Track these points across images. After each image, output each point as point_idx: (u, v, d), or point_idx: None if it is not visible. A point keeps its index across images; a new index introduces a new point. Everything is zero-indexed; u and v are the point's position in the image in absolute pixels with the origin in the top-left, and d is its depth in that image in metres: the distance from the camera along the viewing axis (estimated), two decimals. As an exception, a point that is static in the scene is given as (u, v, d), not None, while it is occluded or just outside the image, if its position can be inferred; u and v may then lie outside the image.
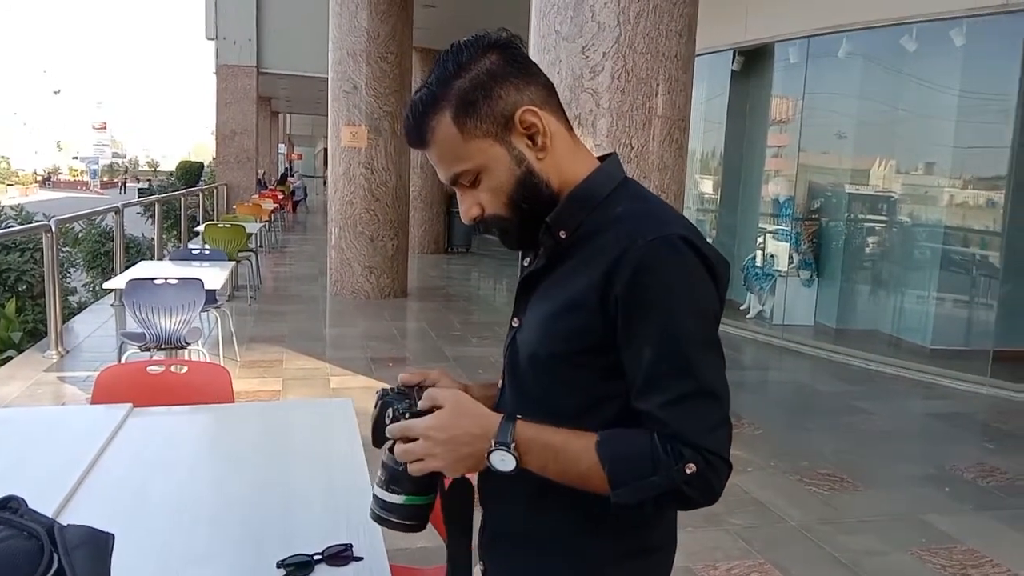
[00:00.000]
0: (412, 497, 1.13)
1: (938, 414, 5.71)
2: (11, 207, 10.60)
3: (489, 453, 1.06)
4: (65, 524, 1.00)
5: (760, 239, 8.50)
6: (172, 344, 4.69)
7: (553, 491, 1.10)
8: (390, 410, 1.14)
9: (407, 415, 1.12)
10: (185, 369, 2.77)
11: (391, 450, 1.12)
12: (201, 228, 10.31)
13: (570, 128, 1.19)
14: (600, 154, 1.22)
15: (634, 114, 4.02)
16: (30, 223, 8.48)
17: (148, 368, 2.74)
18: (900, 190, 7.42)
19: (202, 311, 4.96)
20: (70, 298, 8.77)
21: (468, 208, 1.17)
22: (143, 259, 11.06)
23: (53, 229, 6.21)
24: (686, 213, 7.08)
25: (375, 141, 9.12)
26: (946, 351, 6.84)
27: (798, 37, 7.59)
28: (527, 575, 1.21)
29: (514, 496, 1.19)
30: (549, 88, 1.17)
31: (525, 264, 1.24)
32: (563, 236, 1.15)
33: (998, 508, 3.98)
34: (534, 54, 4.09)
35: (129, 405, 2.40)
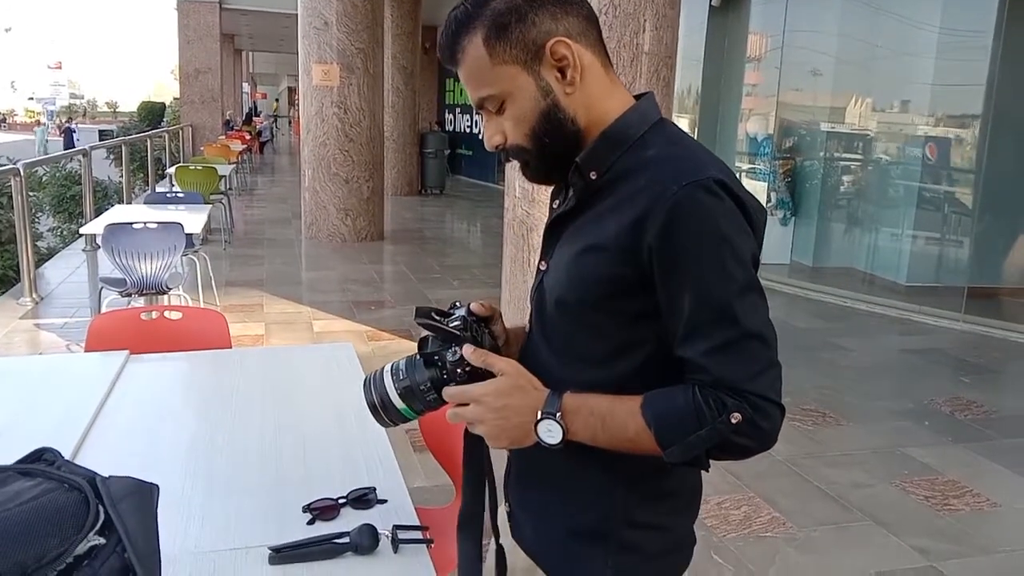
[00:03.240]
0: (411, 412, 1.12)
1: (914, 350, 5.82)
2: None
3: (536, 424, 1.05)
4: (107, 476, 0.98)
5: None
6: (153, 289, 4.62)
7: None
8: (447, 354, 1.10)
9: (456, 364, 1.09)
10: (179, 315, 2.72)
11: (435, 385, 1.09)
12: (171, 171, 10.07)
13: (607, 65, 1.15)
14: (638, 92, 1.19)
15: (621, 51, 3.94)
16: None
17: (141, 315, 2.70)
18: (877, 128, 7.43)
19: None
20: (38, 243, 8.58)
21: (491, 135, 1.14)
22: (111, 202, 10.84)
23: (21, 173, 6.04)
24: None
25: (347, 80, 8.91)
26: (921, 288, 6.95)
27: (779, -28, 7.50)
28: (553, 515, 1.20)
29: None
30: (590, 20, 1.13)
31: (554, 206, 1.21)
32: (593, 177, 1.12)
33: (975, 440, 4.09)
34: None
35: (126, 352, 2.36)
